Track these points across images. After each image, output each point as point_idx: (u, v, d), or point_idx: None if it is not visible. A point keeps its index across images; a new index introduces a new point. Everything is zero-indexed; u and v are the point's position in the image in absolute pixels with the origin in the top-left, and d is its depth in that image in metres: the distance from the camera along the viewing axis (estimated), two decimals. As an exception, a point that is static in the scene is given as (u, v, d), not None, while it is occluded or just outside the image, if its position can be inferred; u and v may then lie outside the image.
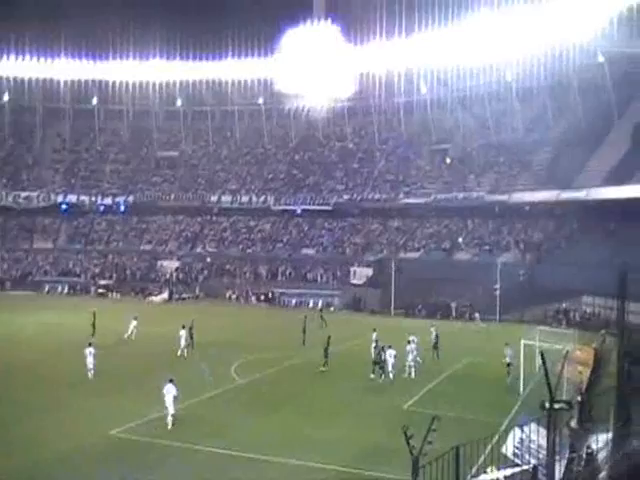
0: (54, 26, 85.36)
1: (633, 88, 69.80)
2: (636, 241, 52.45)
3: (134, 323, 43.67)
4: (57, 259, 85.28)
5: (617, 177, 61.95)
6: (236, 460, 20.78)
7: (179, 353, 37.83)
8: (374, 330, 37.96)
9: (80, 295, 74.77)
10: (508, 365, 32.49)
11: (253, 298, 72.56)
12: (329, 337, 35.67)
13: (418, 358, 34.90)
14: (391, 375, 32.84)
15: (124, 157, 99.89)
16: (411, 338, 35.19)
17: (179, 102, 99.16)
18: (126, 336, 43.27)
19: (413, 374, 33.76)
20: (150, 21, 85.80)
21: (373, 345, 36.02)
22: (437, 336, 39.43)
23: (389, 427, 22.60)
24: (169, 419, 24.17)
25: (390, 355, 33.02)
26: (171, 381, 24.82)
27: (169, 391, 24.55)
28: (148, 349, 39.87)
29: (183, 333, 38.52)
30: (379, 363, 33.07)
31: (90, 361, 31.56)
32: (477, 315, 59.71)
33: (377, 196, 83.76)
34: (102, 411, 25.72)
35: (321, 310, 57.86)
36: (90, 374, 31.38)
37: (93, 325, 43.80)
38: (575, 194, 64.91)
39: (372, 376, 32.86)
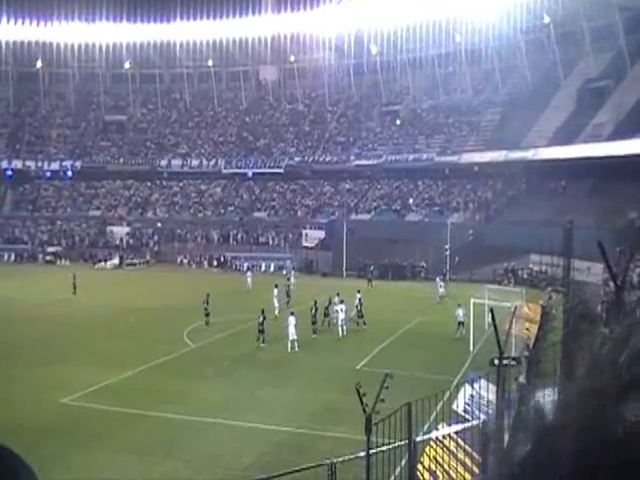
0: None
1: (578, 49, 70.62)
2: (581, 200, 53.49)
3: (249, 274, 52.48)
4: (3, 226, 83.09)
5: (563, 137, 62.92)
6: (189, 425, 20.84)
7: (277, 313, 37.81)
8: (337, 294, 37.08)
9: (27, 263, 73.33)
10: (460, 324, 33.88)
11: (205, 263, 72.16)
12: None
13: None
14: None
15: (71, 121, 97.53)
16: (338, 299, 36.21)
17: (127, 65, 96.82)
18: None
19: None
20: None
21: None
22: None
23: (342, 387, 22.66)
24: (293, 344, 30.16)
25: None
26: (292, 313, 30.92)
27: (291, 322, 30.10)
28: (96, 317, 39.40)
29: (276, 292, 40.62)
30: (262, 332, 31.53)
31: None
32: (439, 279, 50.51)
33: (328, 158, 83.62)
34: (53, 380, 25.26)
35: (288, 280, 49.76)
36: None
37: (74, 285, 46.67)
38: (522, 154, 65.71)
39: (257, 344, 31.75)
